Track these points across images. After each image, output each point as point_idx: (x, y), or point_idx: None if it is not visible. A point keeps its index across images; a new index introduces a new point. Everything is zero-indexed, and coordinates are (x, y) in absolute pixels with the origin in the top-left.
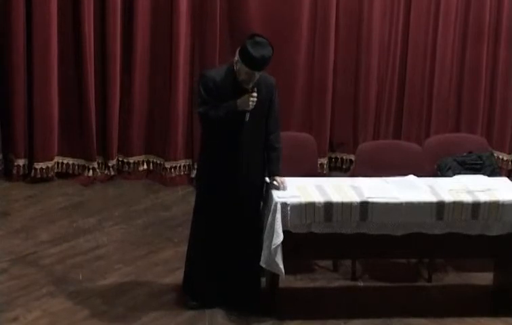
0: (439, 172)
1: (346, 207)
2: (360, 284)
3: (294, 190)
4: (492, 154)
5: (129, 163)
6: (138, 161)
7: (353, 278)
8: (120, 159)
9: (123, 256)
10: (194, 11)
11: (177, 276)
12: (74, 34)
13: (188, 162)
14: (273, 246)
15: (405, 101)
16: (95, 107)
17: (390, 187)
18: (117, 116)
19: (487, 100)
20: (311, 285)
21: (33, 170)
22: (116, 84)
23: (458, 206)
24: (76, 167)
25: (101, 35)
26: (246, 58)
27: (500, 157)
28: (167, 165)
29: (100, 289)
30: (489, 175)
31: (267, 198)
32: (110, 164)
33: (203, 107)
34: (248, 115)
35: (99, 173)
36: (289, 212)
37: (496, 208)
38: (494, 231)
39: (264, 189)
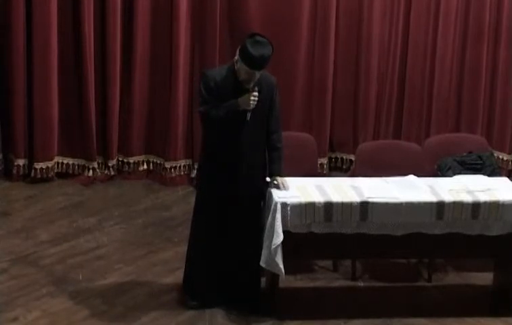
0: (439, 173)
1: (346, 207)
2: (360, 284)
3: (294, 190)
4: (492, 154)
5: (129, 163)
6: (138, 161)
7: (353, 278)
8: (120, 159)
9: (123, 256)
10: (194, 11)
11: (177, 276)
12: (74, 34)
13: (188, 162)
14: (273, 246)
15: (405, 101)
16: (95, 107)
17: (390, 187)
18: (117, 116)
19: (487, 100)
20: (311, 285)
21: (33, 170)
22: (116, 84)
23: (458, 206)
24: (76, 167)
25: (101, 35)
26: (246, 57)
27: (500, 157)
28: (167, 165)
29: (100, 289)
30: (489, 175)
31: (268, 198)
32: (110, 164)
33: (204, 107)
34: (249, 114)
35: (99, 173)
36: (289, 212)
37: (496, 208)
38: (494, 231)
39: (264, 189)
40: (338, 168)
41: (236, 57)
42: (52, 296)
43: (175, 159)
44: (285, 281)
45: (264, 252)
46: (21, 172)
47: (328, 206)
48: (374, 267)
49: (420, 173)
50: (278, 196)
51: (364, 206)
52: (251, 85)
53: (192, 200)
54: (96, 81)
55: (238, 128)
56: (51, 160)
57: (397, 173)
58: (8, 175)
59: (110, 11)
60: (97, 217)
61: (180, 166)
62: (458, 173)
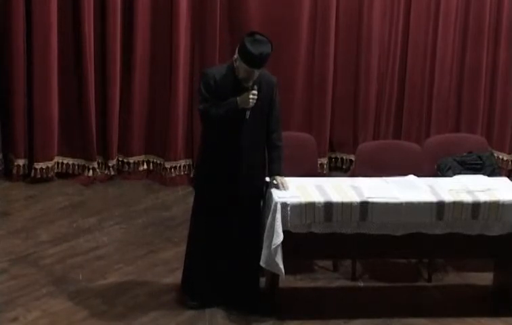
0: (439, 173)
1: (346, 207)
2: (360, 284)
3: (294, 190)
4: (492, 154)
5: (129, 163)
6: (138, 161)
7: (353, 278)
8: (120, 159)
9: (123, 256)
10: (194, 11)
11: (177, 276)
12: (74, 34)
13: (188, 162)
14: (273, 246)
15: (405, 101)
16: (95, 107)
17: (390, 187)
18: (117, 116)
19: (487, 100)
20: (311, 285)
21: (33, 170)
22: (116, 84)
23: (458, 206)
24: (76, 167)
25: (101, 35)
26: (245, 55)
27: (500, 157)
28: (167, 165)
29: (100, 289)
30: (489, 175)
31: (268, 198)
32: (110, 164)
33: (203, 105)
34: (248, 113)
35: (99, 173)
36: (289, 212)
37: (496, 208)
38: (494, 231)
39: (264, 189)
40: (338, 168)
41: (235, 56)
42: (52, 296)
43: (175, 159)
44: (285, 281)
45: (264, 252)
46: (21, 172)
47: (328, 206)
48: (374, 267)
49: (420, 173)
50: (277, 196)
51: (364, 206)
52: (250, 84)
53: (192, 200)
54: (96, 81)
55: (237, 128)
56: (51, 160)
57: (397, 173)
58: (8, 175)
59: (110, 11)
60: (97, 217)
61: (180, 166)
62: (458, 173)
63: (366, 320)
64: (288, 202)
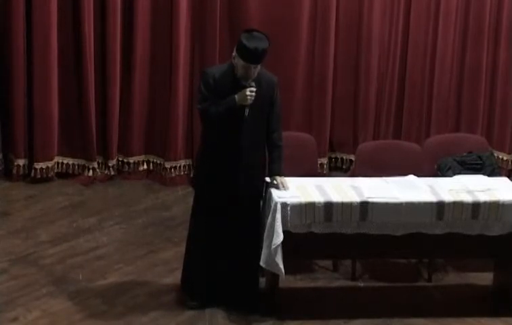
0: (439, 173)
1: (346, 207)
2: (360, 284)
3: (294, 190)
4: (492, 154)
5: (129, 163)
6: (138, 161)
7: (353, 278)
8: (120, 159)
9: (123, 256)
10: (194, 11)
11: (177, 276)
12: (74, 34)
13: (188, 162)
14: (273, 246)
15: (405, 101)
16: (95, 107)
17: (390, 187)
18: (117, 116)
19: (487, 100)
20: (311, 285)
21: (33, 170)
22: (116, 84)
23: (458, 206)
24: (76, 167)
25: (101, 35)
26: (241, 51)
27: (500, 157)
28: (167, 165)
29: (100, 289)
30: (489, 175)
31: (268, 198)
32: (110, 164)
33: (203, 104)
34: (247, 110)
35: (99, 173)
36: (289, 212)
37: (496, 208)
38: (494, 231)
39: (264, 188)
40: (338, 168)
41: (234, 53)
42: (52, 296)
43: (175, 159)
44: (285, 281)
45: (264, 252)
46: (21, 172)
47: (328, 206)
48: (374, 267)
49: (420, 173)
50: (277, 195)
51: (364, 206)
52: (249, 82)
53: (192, 200)
54: (96, 81)
55: (237, 127)
56: (51, 160)
57: (397, 173)
58: (8, 175)
59: (110, 11)
60: (97, 217)
61: (180, 166)
62: (458, 173)
63: (366, 320)
64: (288, 202)
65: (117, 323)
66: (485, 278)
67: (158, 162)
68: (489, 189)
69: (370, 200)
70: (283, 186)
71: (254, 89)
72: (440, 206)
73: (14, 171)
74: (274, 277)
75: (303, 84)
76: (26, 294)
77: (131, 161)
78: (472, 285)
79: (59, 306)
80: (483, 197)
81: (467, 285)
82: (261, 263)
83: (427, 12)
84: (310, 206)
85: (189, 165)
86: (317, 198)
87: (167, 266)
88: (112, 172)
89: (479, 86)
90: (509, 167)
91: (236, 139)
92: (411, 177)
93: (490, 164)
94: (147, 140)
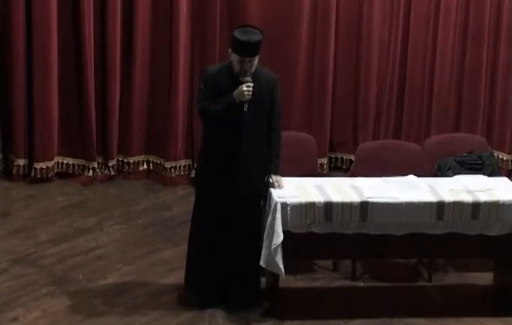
0: (439, 173)
1: (346, 207)
2: (360, 284)
3: (294, 190)
4: (492, 154)
5: (129, 163)
6: (138, 161)
7: (353, 278)
8: (120, 159)
9: (123, 256)
10: (194, 11)
11: (177, 276)
12: (74, 34)
13: (188, 162)
14: (273, 246)
15: (405, 101)
16: (95, 107)
17: (390, 187)
18: (117, 116)
19: (487, 100)
20: (311, 285)
21: (33, 170)
22: (116, 84)
23: (458, 206)
24: (76, 167)
25: (101, 35)
26: (235, 44)
27: (500, 157)
28: (167, 165)
29: (100, 289)
30: (489, 175)
31: (268, 198)
32: (110, 164)
33: (202, 103)
34: (246, 106)
35: (99, 173)
36: (289, 212)
37: (496, 208)
38: (494, 231)
39: (264, 188)
40: (338, 168)
41: (229, 50)
42: (52, 296)
43: (175, 159)
44: (285, 281)
45: (264, 252)
46: (21, 172)
47: (328, 206)
48: (374, 267)
49: (420, 173)
50: (277, 196)
51: (364, 206)
52: (246, 78)
53: (192, 199)
54: (96, 81)
55: (237, 127)
56: (51, 160)
57: (397, 173)
58: (8, 175)
59: (110, 11)
60: (97, 217)
61: (180, 166)
62: (458, 173)
63: (366, 320)
64: (288, 202)
65: (117, 323)
66: (485, 278)
67: (158, 162)
68: (489, 189)
69: (370, 200)
70: (278, 185)
71: (251, 84)
72: (440, 206)
73: (14, 171)
74: (274, 277)
75: (303, 84)
76: (26, 294)
77: (131, 161)
78: (472, 285)
79: (59, 306)
80: (483, 197)
81: (467, 285)
82: (261, 263)
83: (427, 12)
84: (310, 206)
85: (189, 165)
86: (318, 198)
87: (167, 266)
88: (112, 172)
89: (479, 86)
90: (509, 167)
91: (236, 139)
92: (411, 177)
93: (490, 164)
94: (148, 140)
